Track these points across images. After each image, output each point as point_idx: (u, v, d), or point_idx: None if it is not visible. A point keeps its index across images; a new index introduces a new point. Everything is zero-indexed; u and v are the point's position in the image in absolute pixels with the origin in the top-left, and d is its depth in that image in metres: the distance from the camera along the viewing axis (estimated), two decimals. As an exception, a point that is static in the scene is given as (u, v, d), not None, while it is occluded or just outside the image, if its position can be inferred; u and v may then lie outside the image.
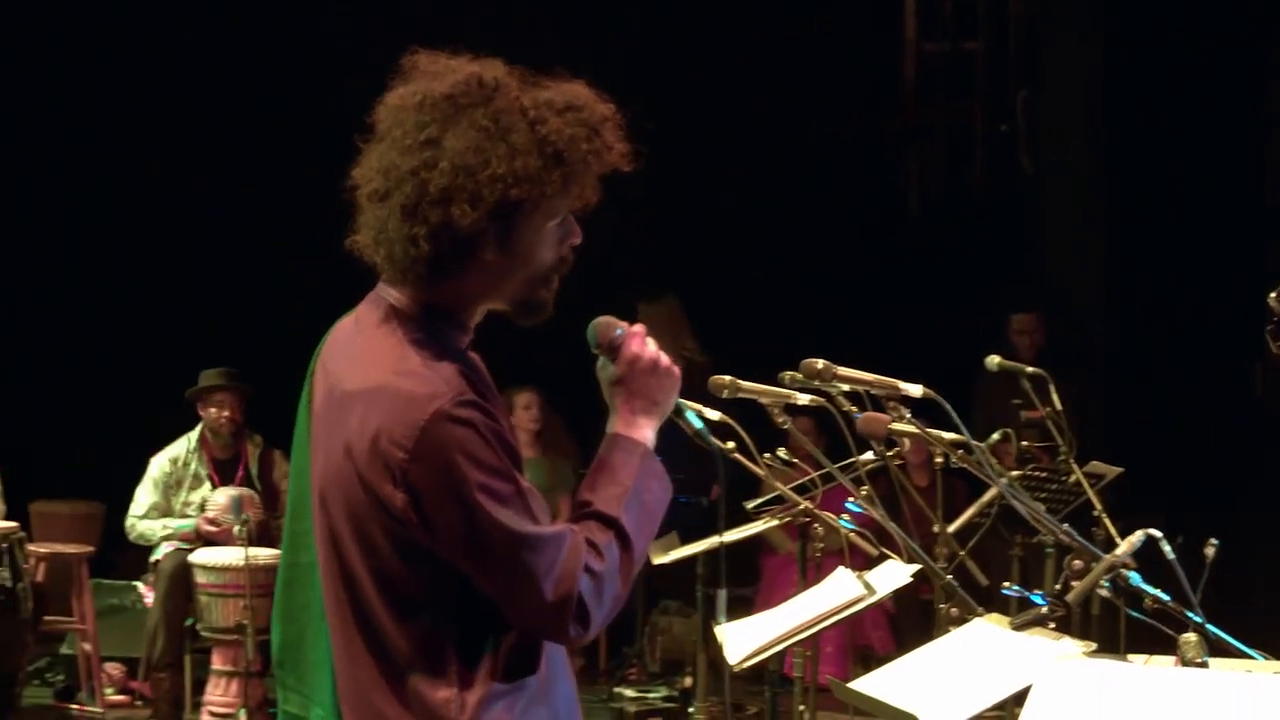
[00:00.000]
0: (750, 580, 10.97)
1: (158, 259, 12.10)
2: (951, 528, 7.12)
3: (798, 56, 12.58)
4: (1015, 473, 7.77)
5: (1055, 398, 7.85)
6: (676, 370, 3.34)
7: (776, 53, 12.56)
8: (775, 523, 6.44)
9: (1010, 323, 10.81)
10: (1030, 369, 7.96)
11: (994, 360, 8.15)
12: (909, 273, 13.07)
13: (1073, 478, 7.69)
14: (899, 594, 6.27)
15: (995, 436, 7.71)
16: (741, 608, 9.08)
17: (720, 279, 11.94)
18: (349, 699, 3.19)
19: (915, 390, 4.24)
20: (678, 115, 12.35)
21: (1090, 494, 7.53)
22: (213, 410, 10.03)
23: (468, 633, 3.12)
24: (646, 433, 3.30)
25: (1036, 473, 8.01)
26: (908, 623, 10.23)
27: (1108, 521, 7.44)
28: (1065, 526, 3.97)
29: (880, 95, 14.09)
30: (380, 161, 3.17)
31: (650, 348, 3.32)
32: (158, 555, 9.89)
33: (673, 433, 4.18)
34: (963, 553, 6.31)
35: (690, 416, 3.43)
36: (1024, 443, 8.74)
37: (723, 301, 11.77)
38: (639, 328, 3.35)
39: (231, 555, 9.34)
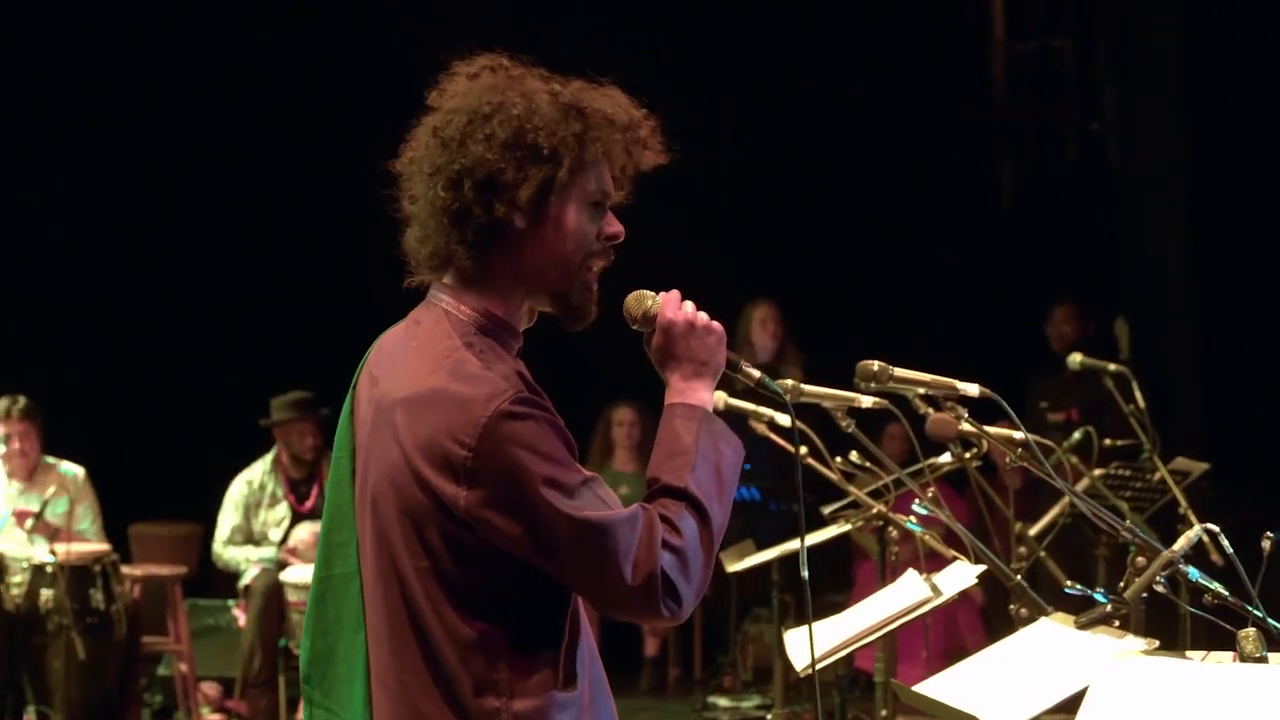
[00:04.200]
0: (844, 586, 10.93)
1: (253, 280, 12.18)
2: (1034, 529, 7.07)
3: (888, 56, 12.57)
4: (1099, 471, 7.69)
5: (1139, 395, 7.79)
6: (718, 325, 3.28)
7: (867, 52, 12.54)
8: (849, 526, 6.41)
9: (1050, 315, 10.77)
10: (1113, 366, 7.90)
11: (1076, 358, 8.09)
12: (999, 267, 13.04)
13: (1157, 475, 7.62)
14: (994, 595, 6.20)
15: (1077, 435, 7.66)
16: (834, 613, 9.04)
17: (812, 276, 11.90)
18: (392, 706, 3.16)
19: (972, 390, 4.18)
20: (769, 115, 12.39)
21: (1175, 491, 7.45)
22: (294, 440, 10.18)
23: (518, 644, 3.10)
24: (702, 395, 3.24)
25: (1120, 470, 7.92)
26: (1003, 624, 10.15)
27: (1194, 519, 7.36)
28: (1127, 523, 3.93)
29: (970, 94, 14.05)
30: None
31: (686, 309, 3.27)
32: (246, 580, 9.98)
33: (754, 441, 4.11)
34: (1041, 552, 6.25)
35: (747, 369, 3.38)
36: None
37: (815, 298, 11.75)
38: (672, 294, 3.30)
39: (322, 573, 9.38)
